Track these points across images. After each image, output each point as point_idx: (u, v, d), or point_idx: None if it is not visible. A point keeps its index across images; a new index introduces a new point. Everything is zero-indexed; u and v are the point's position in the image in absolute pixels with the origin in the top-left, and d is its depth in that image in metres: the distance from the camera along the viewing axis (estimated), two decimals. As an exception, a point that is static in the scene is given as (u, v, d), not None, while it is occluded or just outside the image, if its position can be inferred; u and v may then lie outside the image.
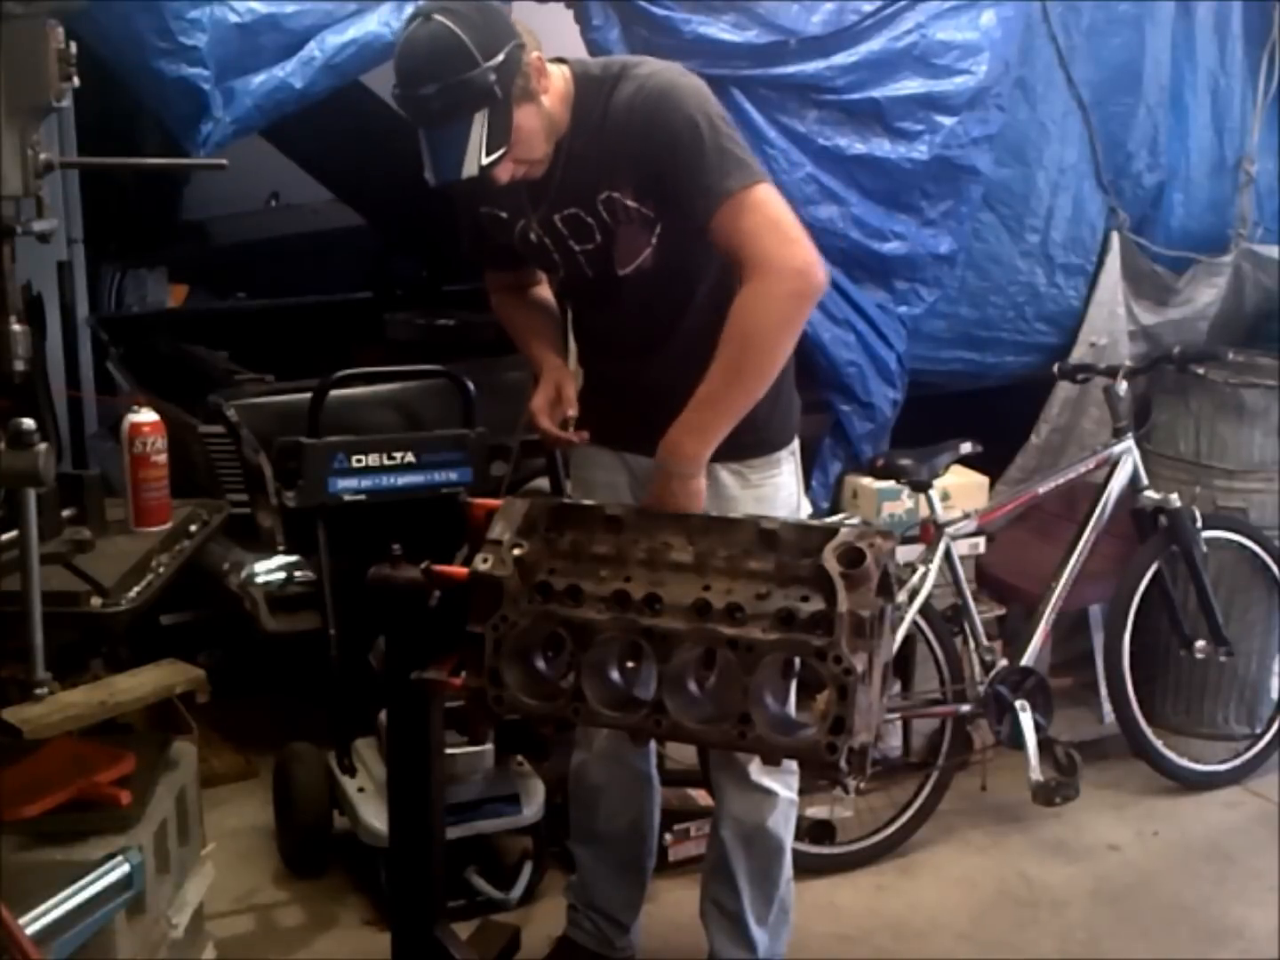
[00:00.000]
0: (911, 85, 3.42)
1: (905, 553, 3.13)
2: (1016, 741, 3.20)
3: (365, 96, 3.88)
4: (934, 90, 3.43)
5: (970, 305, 3.77)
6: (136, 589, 2.23)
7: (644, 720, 1.80)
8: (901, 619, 3.03)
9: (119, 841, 1.99)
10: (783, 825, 2.49)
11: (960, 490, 3.50)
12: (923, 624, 3.19)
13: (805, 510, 2.66)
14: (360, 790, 2.89)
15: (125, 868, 1.94)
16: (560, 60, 2.25)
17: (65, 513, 2.32)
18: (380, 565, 2.01)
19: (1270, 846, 3.28)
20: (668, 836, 3.00)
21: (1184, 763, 3.55)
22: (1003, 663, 3.25)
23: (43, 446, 1.89)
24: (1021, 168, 3.72)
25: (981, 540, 3.51)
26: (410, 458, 3.05)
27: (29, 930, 1.71)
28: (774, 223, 2.11)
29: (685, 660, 1.79)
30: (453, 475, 3.08)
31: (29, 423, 1.90)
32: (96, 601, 2.16)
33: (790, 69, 3.30)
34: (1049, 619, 3.34)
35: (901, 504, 3.52)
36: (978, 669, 3.26)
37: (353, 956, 2.78)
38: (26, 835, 1.98)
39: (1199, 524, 3.49)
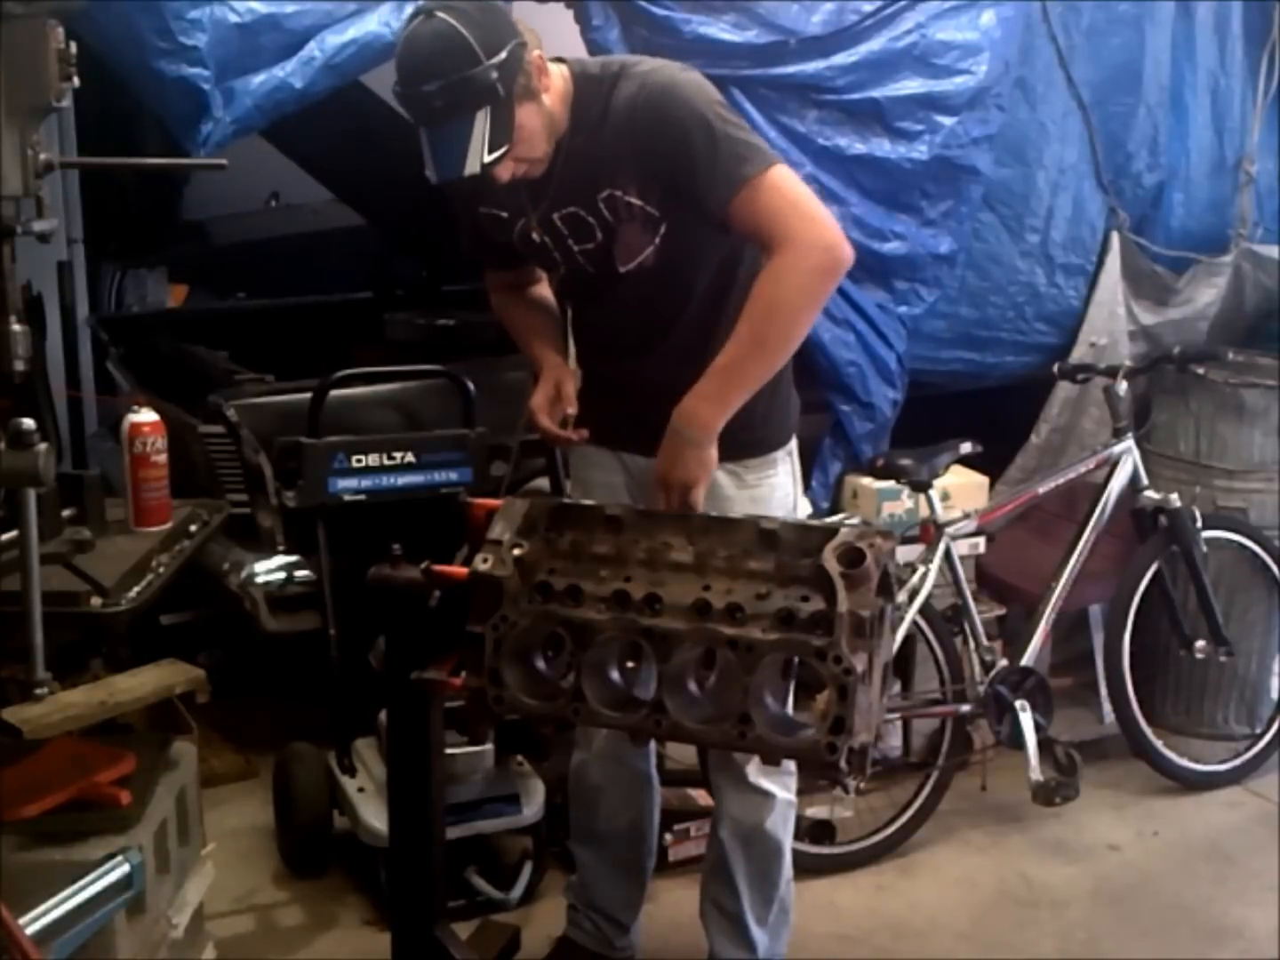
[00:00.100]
0: (911, 85, 3.42)
1: (905, 553, 3.13)
2: (1016, 741, 3.20)
3: (365, 96, 3.89)
4: (934, 90, 3.43)
5: (970, 305, 3.78)
6: (136, 589, 2.23)
7: (644, 720, 1.80)
8: (901, 619, 3.03)
9: (119, 841, 1.99)
10: (781, 826, 2.49)
11: (960, 490, 3.50)
12: (923, 624, 3.19)
13: (803, 510, 2.66)
14: (360, 790, 2.89)
15: (125, 868, 1.94)
16: (559, 60, 2.25)
17: (65, 513, 2.32)
18: (380, 565, 2.01)
19: (1270, 846, 3.28)
20: (668, 836, 3.00)
21: (1184, 763, 3.55)
22: (1003, 663, 3.25)
23: (43, 446, 1.88)
24: (1021, 168, 3.72)
25: (981, 540, 3.51)
26: (410, 458, 3.05)
27: (29, 930, 1.71)
28: (794, 201, 2.13)
29: (685, 660, 1.78)
30: (453, 475, 3.08)
31: (29, 423, 1.90)
32: (96, 601, 2.15)
33: (790, 69, 3.30)
34: (1049, 619, 3.34)
35: (901, 504, 3.52)
36: (978, 669, 3.26)
37: (353, 956, 2.78)
38: (26, 835, 1.98)
39: (1199, 524, 3.49)
